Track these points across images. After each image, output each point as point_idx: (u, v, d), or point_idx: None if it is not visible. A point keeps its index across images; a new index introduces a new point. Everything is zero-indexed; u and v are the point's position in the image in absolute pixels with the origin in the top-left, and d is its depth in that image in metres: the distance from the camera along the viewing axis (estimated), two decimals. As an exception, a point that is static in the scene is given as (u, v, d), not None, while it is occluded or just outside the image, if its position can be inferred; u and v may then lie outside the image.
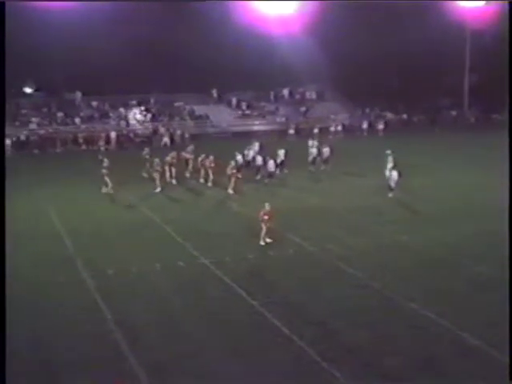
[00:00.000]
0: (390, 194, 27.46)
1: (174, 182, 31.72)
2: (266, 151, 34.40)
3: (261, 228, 20.77)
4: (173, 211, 26.59)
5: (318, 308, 15.95)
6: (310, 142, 36.94)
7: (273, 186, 31.16)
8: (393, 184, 27.64)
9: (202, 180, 31.67)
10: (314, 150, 35.59)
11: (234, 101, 59.28)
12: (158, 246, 21.28)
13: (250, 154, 34.73)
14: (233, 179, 29.68)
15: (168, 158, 32.02)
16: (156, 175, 30.10)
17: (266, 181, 31.37)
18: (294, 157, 34.89)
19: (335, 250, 20.50)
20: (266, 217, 20.71)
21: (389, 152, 32.62)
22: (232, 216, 25.01)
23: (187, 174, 33.38)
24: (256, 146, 36.12)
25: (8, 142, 44.92)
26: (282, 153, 34.31)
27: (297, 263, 19.55)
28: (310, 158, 35.20)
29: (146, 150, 35.02)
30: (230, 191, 29.52)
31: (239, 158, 33.14)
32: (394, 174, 27.69)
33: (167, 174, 31.70)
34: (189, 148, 35.24)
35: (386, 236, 22.21)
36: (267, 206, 20.82)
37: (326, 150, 35.42)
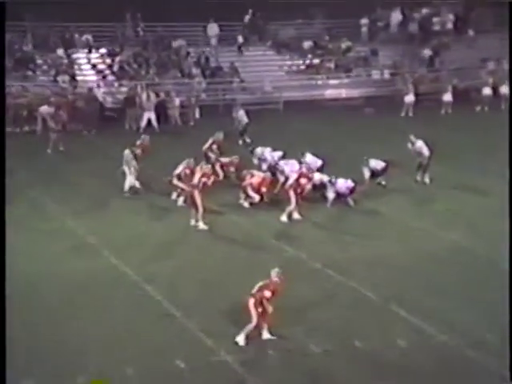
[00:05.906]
0: None
1: (180, 201, 31.92)
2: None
3: (251, 315, 19.49)
4: (163, 257, 25.79)
5: None
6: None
7: (356, 212, 30.52)
8: None
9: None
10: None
11: (286, 40, 57.83)
12: (135, 330, 20.23)
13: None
14: (292, 193, 29.09)
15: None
16: (198, 199, 28.81)
17: (351, 202, 31.02)
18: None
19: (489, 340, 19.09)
20: (267, 294, 19.26)
21: None
22: (280, 266, 22.96)
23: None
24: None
25: None
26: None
27: (412, 361, 18.43)
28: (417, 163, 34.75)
29: (146, 139, 34.87)
30: (296, 216, 29.28)
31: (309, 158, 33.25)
32: None
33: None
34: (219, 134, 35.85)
35: None
36: (275, 274, 19.56)
37: (420, 146, 34.49)
